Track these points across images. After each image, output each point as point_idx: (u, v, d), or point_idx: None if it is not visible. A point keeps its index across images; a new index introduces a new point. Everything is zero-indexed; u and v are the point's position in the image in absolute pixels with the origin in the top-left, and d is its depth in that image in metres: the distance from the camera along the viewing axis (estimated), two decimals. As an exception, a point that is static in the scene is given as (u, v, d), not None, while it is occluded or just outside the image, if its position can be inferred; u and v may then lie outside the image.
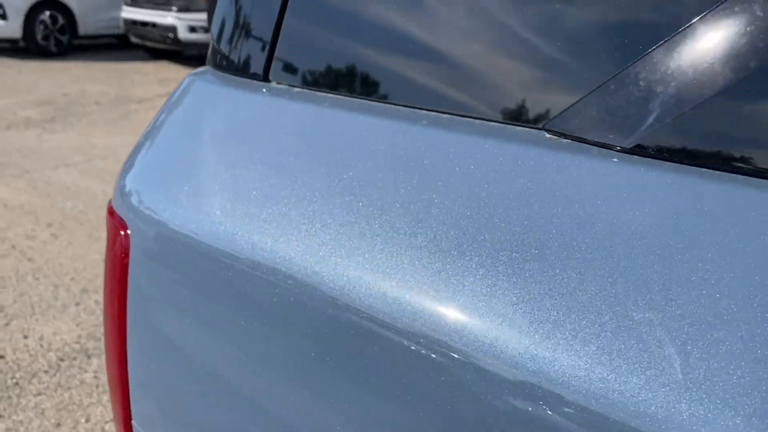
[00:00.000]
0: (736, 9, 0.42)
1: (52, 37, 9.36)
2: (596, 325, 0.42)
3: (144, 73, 8.44)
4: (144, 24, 8.97)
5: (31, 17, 9.12)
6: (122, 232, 0.66)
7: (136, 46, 9.80)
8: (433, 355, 0.47)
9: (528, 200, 0.47)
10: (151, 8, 8.97)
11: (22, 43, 9.24)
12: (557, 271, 0.44)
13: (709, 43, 0.43)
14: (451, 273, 0.47)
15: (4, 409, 2.04)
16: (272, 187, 0.57)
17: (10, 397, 2.09)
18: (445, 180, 0.50)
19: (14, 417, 2.01)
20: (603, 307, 0.42)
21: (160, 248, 0.64)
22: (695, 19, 0.44)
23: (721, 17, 0.43)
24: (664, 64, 0.44)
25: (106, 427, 2.00)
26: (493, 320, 0.45)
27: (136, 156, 0.70)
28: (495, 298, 0.45)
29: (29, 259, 3.08)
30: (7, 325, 2.51)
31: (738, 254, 0.39)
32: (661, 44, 0.45)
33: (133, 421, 0.69)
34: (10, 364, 2.27)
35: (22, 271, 2.96)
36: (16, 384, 2.16)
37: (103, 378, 2.22)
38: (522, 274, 0.45)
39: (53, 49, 9.37)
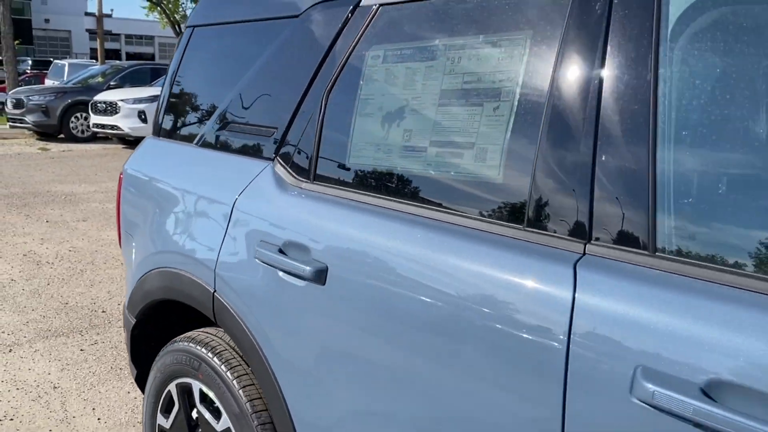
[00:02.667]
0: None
1: (184, 134, 11.74)
2: None
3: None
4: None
5: (169, 119, 11.55)
6: (121, 175, 2.13)
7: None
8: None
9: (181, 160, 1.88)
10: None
11: (161, 139, 11.67)
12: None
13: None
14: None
15: (100, 332, 3.58)
16: (164, 165, 2.04)
17: (104, 327, 3.64)
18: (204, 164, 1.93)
19: (105, 335, 3.54)
20: None
21: (131, 180, 2.11)
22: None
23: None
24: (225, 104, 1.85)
25: (152, 343, 3.46)
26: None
27: (131, 157, 2.19)
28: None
29: (131, 269, 4.72)
30: (111, 298, 4.11)
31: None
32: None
33: (121, 229, 2.15)
34: (108, 314, 3.84)
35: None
36: (108, 322, 3.72)
37: (156, 322, 3.72)
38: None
39: (184, 143, 11.74)
